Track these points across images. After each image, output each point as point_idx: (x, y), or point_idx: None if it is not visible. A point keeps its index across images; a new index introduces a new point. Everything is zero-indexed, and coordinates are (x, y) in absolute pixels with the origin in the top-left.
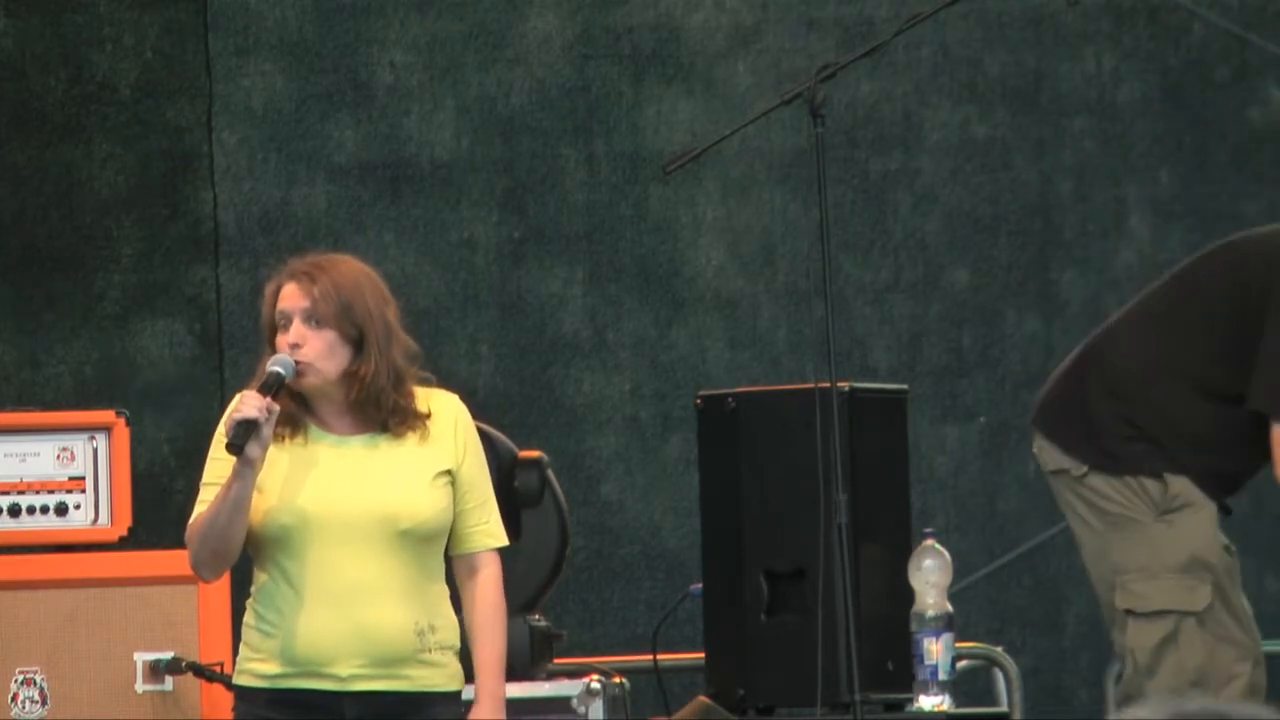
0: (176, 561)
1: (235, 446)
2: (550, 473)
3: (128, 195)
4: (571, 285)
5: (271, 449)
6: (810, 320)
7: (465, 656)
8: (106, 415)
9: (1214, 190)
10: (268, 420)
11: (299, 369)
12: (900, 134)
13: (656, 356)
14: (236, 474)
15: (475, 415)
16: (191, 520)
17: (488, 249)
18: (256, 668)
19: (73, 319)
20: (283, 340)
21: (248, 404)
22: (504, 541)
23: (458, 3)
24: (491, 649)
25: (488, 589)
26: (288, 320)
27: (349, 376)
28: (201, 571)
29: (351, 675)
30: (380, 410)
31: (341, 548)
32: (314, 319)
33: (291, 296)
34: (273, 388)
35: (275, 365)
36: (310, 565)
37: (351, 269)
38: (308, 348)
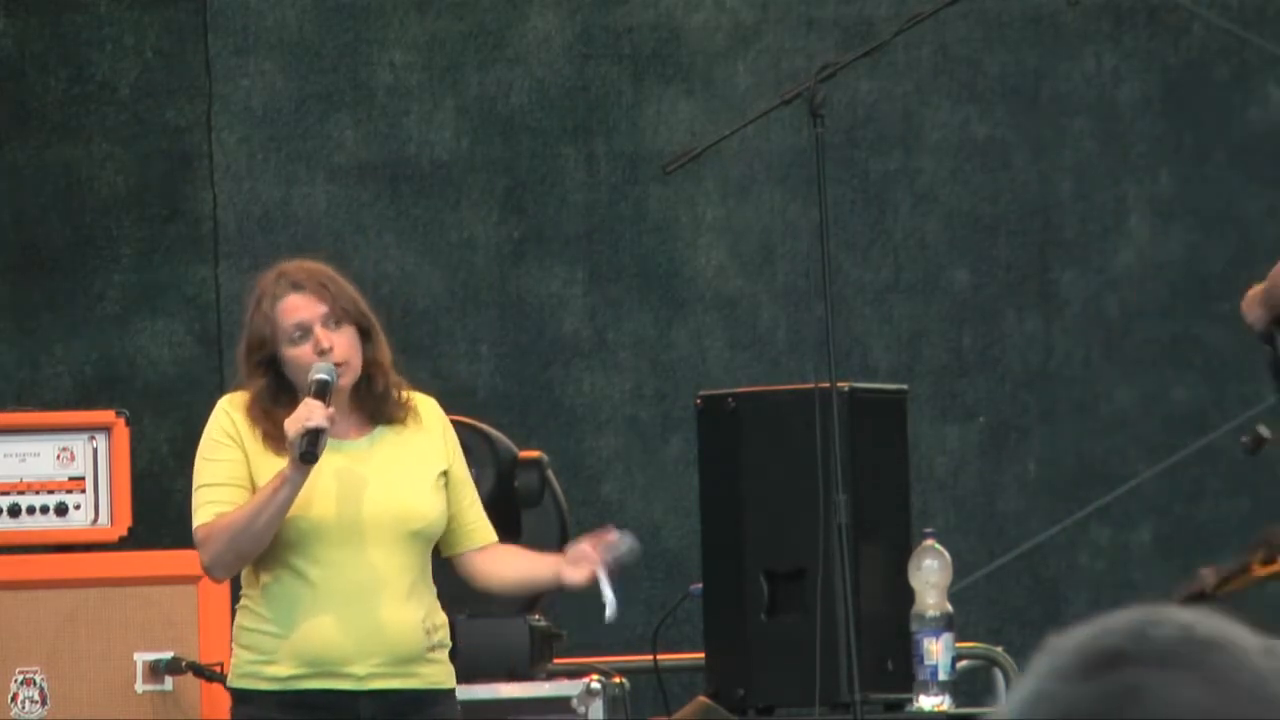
0: (176, 561)
1: (312, 455)
2: (550, 473)
3: (127, 195)
4: (571, 285)
5: (276, 460)
6: (810, 320)
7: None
8: (106, 415)
9: (1214, 190)
10: (330, 427)
11: (339, 370)
12: (900, 134)
13: (656, 356)
14: (286, 480)
15: (475, 415)
16: (209, 521)
17: (488, 249)
18: (264, 670)
19: (73, 319)
20: (302, 352)
21: (317, 413)
22: (496, 538)
23: (458, 3)
24: (537, 558)
25: (505, 546)
26: (305, 330)
27: (369, 366)
28: (217, 572)
29: (369, 674)
30: (387, 401)
31: (355, 549)
32: (333, 320)
33: (305, 306)
34: (327, 395)
35: (320, 374)
36: (324, 567)
37: (329, 268)
38: (338, 349)
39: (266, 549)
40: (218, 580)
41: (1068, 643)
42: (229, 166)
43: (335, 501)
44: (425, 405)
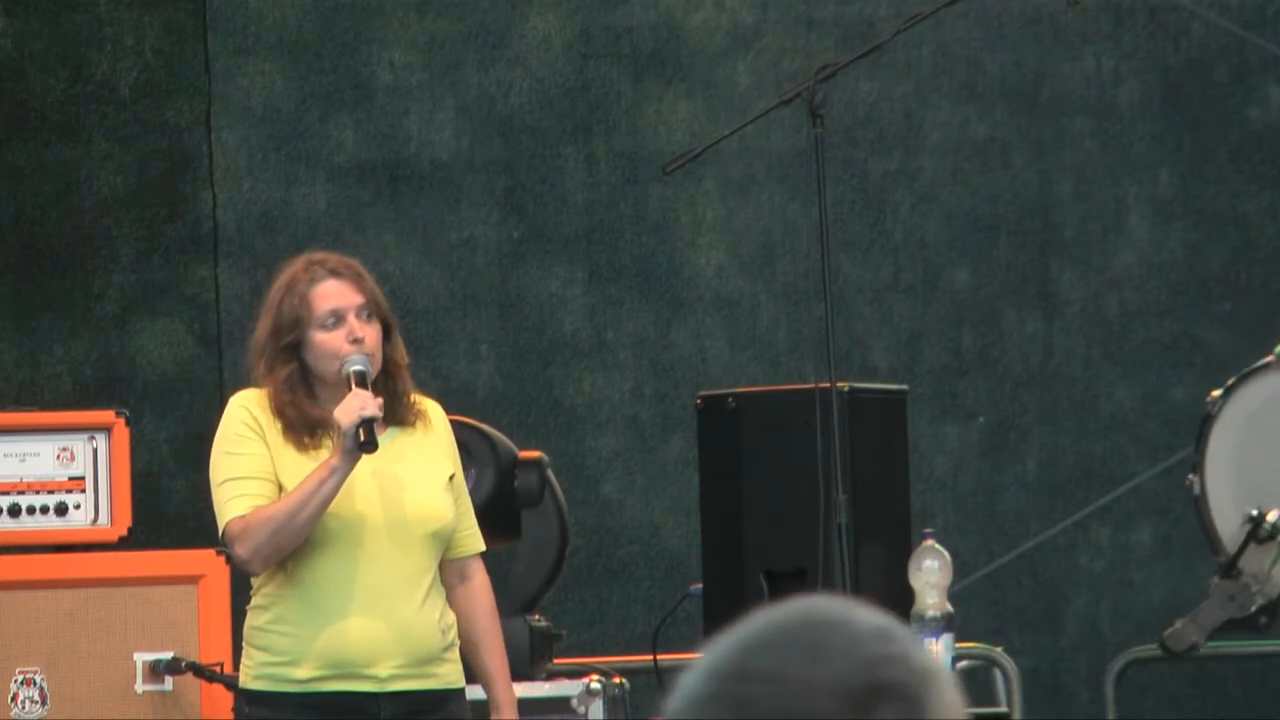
0: (176, 561)
1: (374, 444)
2: (550, 473)
3: (127, 195)
4: (571, 285)
5: (297, 456)
6: (810, 320)
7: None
8: (106, 415)
9: (1214, 190)
10: (381, 416)
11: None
12: (900, 134)
13: (656, 356)
14: (334, 470)
15: (475, 415)
16: (245, 513)
17: (488, 249)
18: (282, 672)
19: (73, 319)
20: (332, 337)
21: (370, 403)
22: (482, 547)
23: (458, 3)
24: (502, 655)
25: (486, 595)
26: (339, 317)
27: (389, 365)
28: (255, 565)
29: (390, 675)
30: (402, 402)
31: (378, 550)
32: (366, 312)
33: (341, 294)
34: (367, 386)
35: (356, 364)
36: (348, 567)
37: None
38: (369, 340)
39: (296, 549)
40: (254, 573)
41: (814, 660)
42: (228, 166)
43: (358, 501)
44: (433, 409)
